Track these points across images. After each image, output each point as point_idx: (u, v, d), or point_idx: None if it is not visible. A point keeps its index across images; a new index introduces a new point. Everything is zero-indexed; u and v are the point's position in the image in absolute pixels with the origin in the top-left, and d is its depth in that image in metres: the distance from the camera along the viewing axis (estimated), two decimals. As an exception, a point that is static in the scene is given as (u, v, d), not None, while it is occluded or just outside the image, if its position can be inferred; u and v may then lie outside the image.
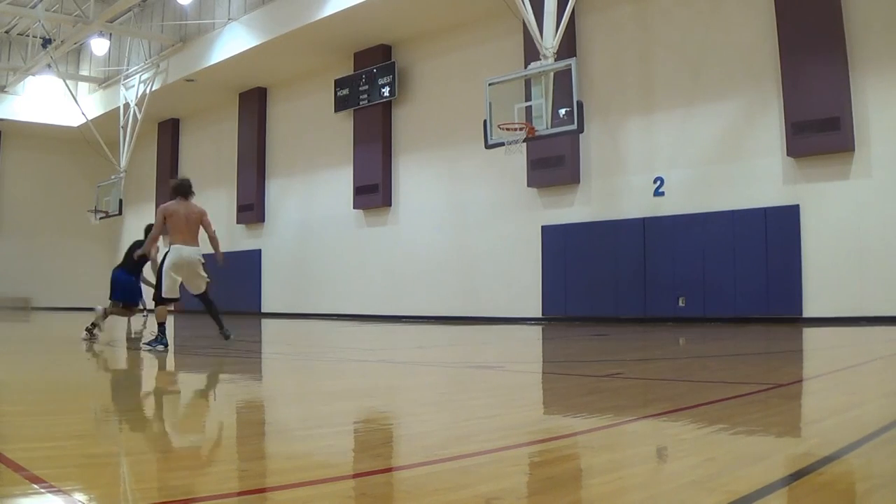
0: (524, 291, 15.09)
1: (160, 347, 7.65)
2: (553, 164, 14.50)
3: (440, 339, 10.79)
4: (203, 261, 8.20)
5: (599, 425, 3.34)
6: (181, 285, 8.13)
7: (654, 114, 13.62)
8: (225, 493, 2.18)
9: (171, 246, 8.04)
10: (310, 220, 20.12)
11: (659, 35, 13.67)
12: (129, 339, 10.20)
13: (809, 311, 11.62)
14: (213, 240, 8.39)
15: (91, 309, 10.40)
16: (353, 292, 18.58)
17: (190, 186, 8.28)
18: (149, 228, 8.99)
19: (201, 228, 8.23)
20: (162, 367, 6.67)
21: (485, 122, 11.59)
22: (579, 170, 14.45)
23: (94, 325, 9.27)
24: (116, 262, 10.44)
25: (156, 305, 8.26)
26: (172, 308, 8.54)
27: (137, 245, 9.35)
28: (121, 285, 9.62)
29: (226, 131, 22.92)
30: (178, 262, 7.98)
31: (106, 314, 9.57)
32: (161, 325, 7.85)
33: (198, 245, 8.19)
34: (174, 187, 8.33)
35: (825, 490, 2.15)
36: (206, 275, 8.22)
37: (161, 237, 8.32)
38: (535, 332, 12.10)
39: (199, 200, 8.61)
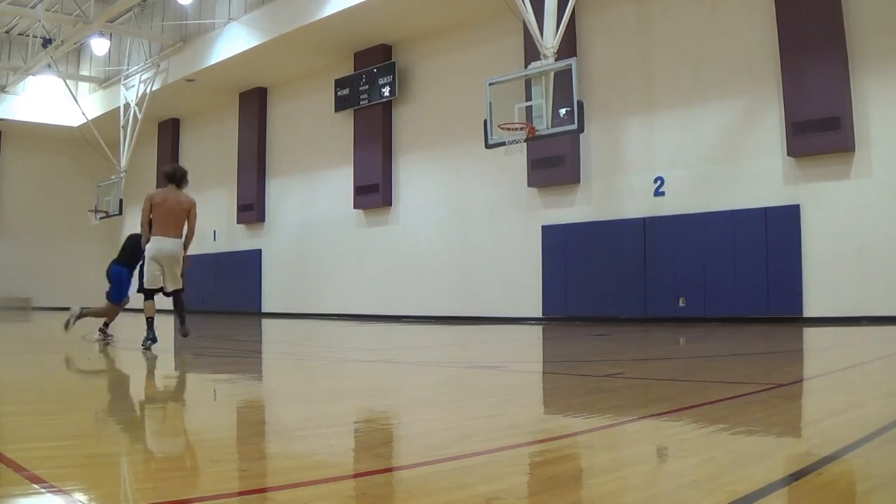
0: (524, 291, 15.08)
1: (148, 343, 7.46)
2: (553, 164, 14.50)
3: (440, 339, 10.79)
4: (184, 255, 7.76)
5: (600, 425, 3.34)
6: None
7: (655, 114, 13.62)
8: (225, 493, 2.18)
9: (153, 237, 7.69)
10: (310, 220, 20.13)
11: (659, 35, 13.67)
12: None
13: (809, 311, 11.62)
14: (188, 236, 7.83)
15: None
16: (354, 292, 18.58)
17: (184, 174, 7.87)
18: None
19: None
20: (162, 367, 6.67)
21: (485, 121, 11.59)
22: (579, 170, 14.45)
23: (106, 324, 9.04)
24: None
25: (144, 300, 7.86)
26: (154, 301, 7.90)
27: (136, 238, 8.73)
28: (119, 281, 9.03)
29: (226, 131, 22.93)
30: (157, 256, 7.67)
31: (83, 314, 9.07)
32: (149, 320, 7.60)
33: (180, 238, 7.78)
34: (166, 173, 7.94)
35: (825, 490, 2.15)
36: (180, 272, 7.75)
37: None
38: (535, 332, 12.10)
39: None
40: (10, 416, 3.64)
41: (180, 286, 7.89)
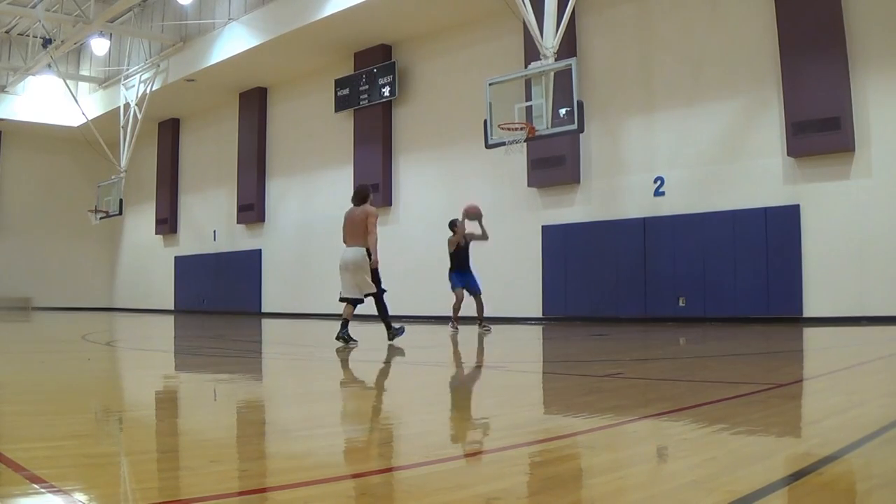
0: (524, 291, 15.08)
1: (345, 344, 8.38)
2: (553, 164, 14.49)
3: (440, 339, 10.79)
4: (365, 260, 8.54)
5: (600, 425, 3.34)
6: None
7: (654, 113, 13.61)
8: (225, 493, 2.18)
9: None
10: (310, 220, 20.12)
11: (659, 35, 13.66)
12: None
13: (809, 311, 11.62)
14: (368, 240, 8.69)
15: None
16: (354, 292, 18.56)
17: (356, 193, 8.99)
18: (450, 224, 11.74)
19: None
20: (162, 367, 6.68)
21: (485, 121, 11.58)
22: (579, 170, 14.45)
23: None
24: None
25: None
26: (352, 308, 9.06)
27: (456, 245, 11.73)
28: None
29: (226, 131, 22.92)
30: (340, 265, 8.76)
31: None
32: (343, 321, 8.69)
33: (359, 246, 8.63)
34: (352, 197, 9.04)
35: (825, 490, 2.15)
36: (366, 276, 8.57)
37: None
38: (536, 332, 12.10)
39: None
40: (10, 416, 3.64)
41: (371, 290, 8.79)
